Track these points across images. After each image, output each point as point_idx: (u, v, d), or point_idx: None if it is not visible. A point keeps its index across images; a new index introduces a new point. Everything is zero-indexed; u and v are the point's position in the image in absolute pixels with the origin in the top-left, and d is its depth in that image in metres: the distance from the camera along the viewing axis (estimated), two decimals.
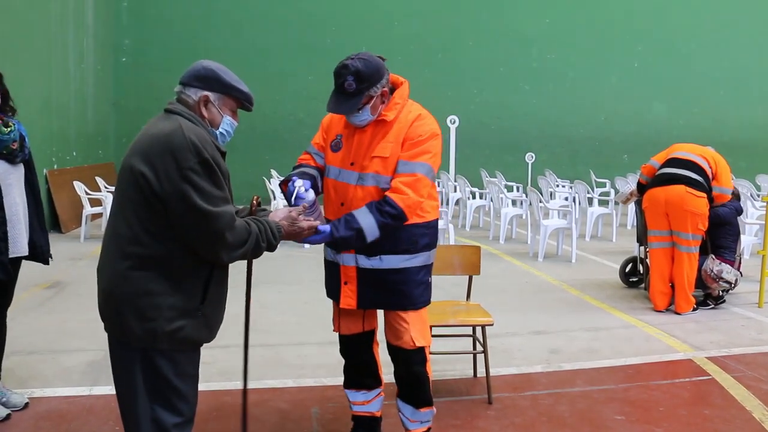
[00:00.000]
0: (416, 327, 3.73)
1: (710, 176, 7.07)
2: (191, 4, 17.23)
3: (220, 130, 2.90)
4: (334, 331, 3.99)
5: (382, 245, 3.53)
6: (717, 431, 4.34)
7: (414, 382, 3.82)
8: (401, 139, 3.54)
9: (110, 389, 4.73)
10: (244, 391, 3.53)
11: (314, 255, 10.19)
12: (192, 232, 2.63)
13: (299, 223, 3.10)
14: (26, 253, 4.36)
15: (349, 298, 3.68)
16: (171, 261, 2.65)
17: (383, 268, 3.60)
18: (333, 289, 3.77)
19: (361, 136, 3.60)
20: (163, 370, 2.70)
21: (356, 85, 3.43)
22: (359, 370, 4.00)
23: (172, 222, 2.61)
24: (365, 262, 3.60)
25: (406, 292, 3.66)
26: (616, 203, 11.11)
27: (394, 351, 3.82)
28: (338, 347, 4.08)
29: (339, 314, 3.89)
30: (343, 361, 4.09)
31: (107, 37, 16.57)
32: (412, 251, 3.61)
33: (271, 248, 2.88)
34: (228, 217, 2.65)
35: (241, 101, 2.92)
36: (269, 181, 13.06)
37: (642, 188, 7.54)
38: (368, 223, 3.42)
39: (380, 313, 3.88)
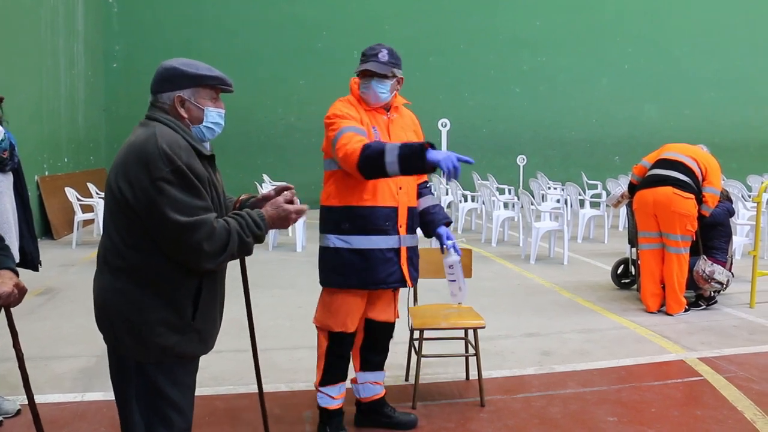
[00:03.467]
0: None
1: (699, 177, 7.09)
2: (182, 10, 17.20)
3: (206, 124, 2.77)
4: (345, 331, 4.09)
5: (414, 224, 4.12)
6: None
7: (386, 350, 4.37)
8: (415, 127, 4.23)
9: (102, 395, 4.74)
10: (261, 395, 3.64)
11: (308, 259, 10.18)
12: (169, 245, 2.55)
13: (285, 206, 2.89)
14: (17, 261, 4.36)
15: (409, 277, 4.10)
16: (156, 274, 2.59)
17: (415, 246, 4.17)
18: (388, 276, 4.00)
19: (392, 127, 4.05)
20: (158, 381, 2.67)
21: (388, 58, 3.92)
22: (346, 362, 4.22)
23: (152, 234, 2.56)
24: (412, 241, 4.11)
25: (418, 267, 4.23)
26: (607, 206, 11.16)
27: (381, 327, 4.27)
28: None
29: (352, 311, 4.07)
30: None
31: (98, 43, 16.54)
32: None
33: (259, 239, 2.74)
34: (205, 226, 2.54)
35: (216, 86, 2.78)
36: (261, 186, 13.04)
37: (633, 189, 7.56)
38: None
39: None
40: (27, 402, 2.95)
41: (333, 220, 4.00)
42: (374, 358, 4.32)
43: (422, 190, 4.28)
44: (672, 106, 19.42)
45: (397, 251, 3.99)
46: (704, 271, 7.20)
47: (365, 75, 3.95)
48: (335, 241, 3.97)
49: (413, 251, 4.12)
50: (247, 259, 2.97)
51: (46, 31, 13.11)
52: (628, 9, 19.27)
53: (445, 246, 4.22)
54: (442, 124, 15.64)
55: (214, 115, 2.78)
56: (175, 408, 2.72)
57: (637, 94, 19.34)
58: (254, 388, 4.94)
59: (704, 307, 7.44)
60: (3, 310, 2.81)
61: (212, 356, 5.62)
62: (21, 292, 2.83)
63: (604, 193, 14.98)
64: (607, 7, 19.23)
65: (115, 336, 2.67)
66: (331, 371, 4.15)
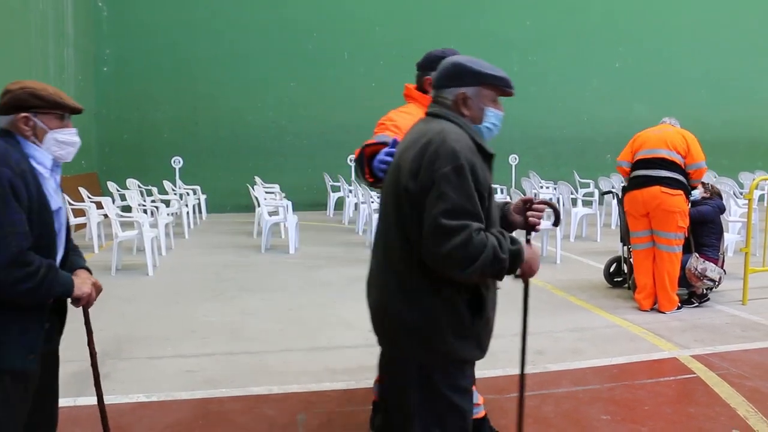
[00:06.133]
0: None
1: (683, 164, 7.05)
2: (172, 13, 17.15)
3: (486, 124, 2.75)
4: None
5: None
6: (702, 429, 4.35)
7: None
8: None
9: (95, 400, 4.71)
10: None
11: (302, 261, 10.18)
12: (425, 239, 2.49)
13: (536, 257, 2.72)
14: None
15: None
16: (438, 279, 2.55)
17: None
18: None
19: None
20: (439, 386, 2.66)
21: None
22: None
23: (418, 228, 2.53)
24: None
25: None
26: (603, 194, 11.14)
27: None
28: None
29: None
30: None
31: (88, 47, 16.48)
32: None
33: (515, 259, 2.57)
34: (464, 232, 2.43)
35: (499, 88, 2.76)
36: (252, 188, 13.02)
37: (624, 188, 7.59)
38: None
39: None
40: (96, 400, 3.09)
41: None
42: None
43: None
44: (662, 104, 19.42)
45: None
46: (696, 269, 7.22)
47: None
48: None
49: None
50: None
51: (36, 36, 13.06)
52: (617, 9, 19.32)
53: None
54: None
55: (493, 117, 2.77)
56: (457, 412, 2.70)
57: (627, 93, 19.39)
58: (248, 391, 4.96)
59: (697, 304, 7.46)
60: (82, 308, 2.90)
61: (205, 359, 5.64)
62: (97, 290, 2.94)
63: (596, 192, 15.00)
64: (597, 7, 19.28)
65: (395, 340, 2.70)
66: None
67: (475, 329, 2.66)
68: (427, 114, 2.79)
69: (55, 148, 2.75)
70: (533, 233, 2.96)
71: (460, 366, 2.72)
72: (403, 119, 3.78)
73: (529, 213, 2.93)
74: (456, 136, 2.56)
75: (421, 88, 3.98)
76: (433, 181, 2.48)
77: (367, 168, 3.36)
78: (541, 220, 3.00)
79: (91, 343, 3.10)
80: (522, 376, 3.09)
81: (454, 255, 2.43)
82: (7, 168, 2.50)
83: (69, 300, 2.83)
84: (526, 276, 2.70)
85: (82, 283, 2.82)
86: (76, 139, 2.84)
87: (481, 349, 2.74)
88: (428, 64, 3.88)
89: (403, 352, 2.70)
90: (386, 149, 3.18)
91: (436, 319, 2.59)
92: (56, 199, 2.75)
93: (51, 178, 2.76)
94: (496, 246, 2.48)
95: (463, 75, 2.72)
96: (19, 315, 2.61)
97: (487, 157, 2.68)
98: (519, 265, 2.59)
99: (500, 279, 2.62)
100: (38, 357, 2.71)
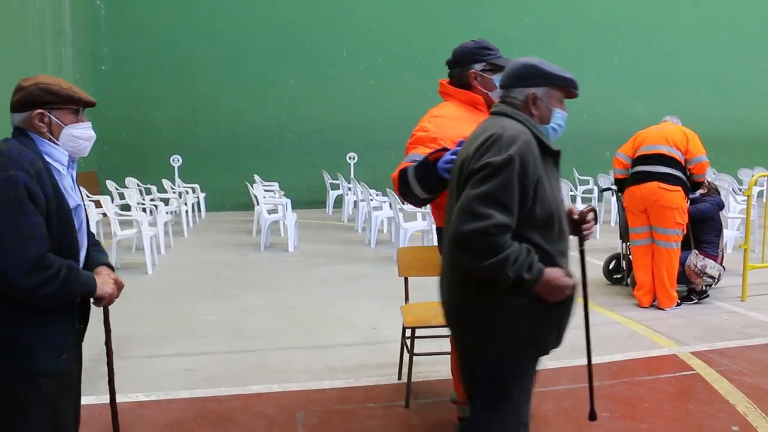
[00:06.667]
0: None
1: (683, 161, 7.05)
2: (171, 12, 17.11)
3: (552, 125, 2.80)
4: None
5: None
6: (701, 425, 4.35)
7: None
8: None
9: (94, 399, 4.71)
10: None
11: (301, 259, 10.17)
12: (454, 218, 2.56)
13: (563, 281, 2.68)
14: None
15: None
16: None
17: None
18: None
19: None
20: (506, 381, 2.72)
21: None
22: None
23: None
24: None
25: None
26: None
27: None
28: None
29: None
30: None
31: (86, 46, 16.45)
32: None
33: (519, 282, 2.57)
34: (484, 223, 2.48)
35: (567, 89, 2.82)
36: (252, 186, 13.01)
37: (620, 182, 7.57)
38: None
39: None
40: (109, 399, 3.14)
41: None
42: None
43: None
44: (661, 101, 19.42)
45: None
46: (696, 266, 7.22)
47: (498, 70, 3.85)
48: None
49: None
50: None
51: (34, 35, 13.03)
52: (617, 6, 19.30)
53: None
54: None
55: (560, 117, 2.81)
56: (517, 407, 2.78)
57: (626, 91, 19.36)
58: (247, 390, 4.96)
59: (696, 301, 7.46)
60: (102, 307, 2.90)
61: (204, 358, 5.64)
62: (119, 287, 2.91)
63: (595, 188, 15.00)
64: (596, 4, 19.25)
65: (467, 333, 2.75)
66: None
67: (551, 321, 2.73)
68: (492, 113, 2.83)
69: (71, 143, 2.73)
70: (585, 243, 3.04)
71: (533, 359, 2.80)
72: (439, 126, 3.71)
73: (584, 226, 3.00)
74: (515, 132, 2.61)
75: (462, 83, 3.94)
76: (480, 167, 2.54)
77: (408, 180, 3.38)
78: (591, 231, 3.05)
79: (108, 342, 3.09)
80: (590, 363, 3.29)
81: (469, 239, 2.50)
82: (22, 171, 2.47)
83: (92, 300, 2.81)
84: (548, 300, 2.69)
85: (104, 282, 2.80)
86: (92, 132, 2.83)
87: (558, 340, 2.82)
88: (468, 57, 3.90)
89: (475, 347, 2.75)
90: (453, 149, 3.18)
91: (511, 314, 2.64)
92: (74, 196, 2.73)
93: (68, 175, 2.73)
94: (509, 260, 2.51)
95: (533, 75, 2.77)
96: (50, 317, 2.60)
97: (554, 154, 2.73)
98: (528, 288, 2.60)
99: (505, 287, 2.61)
100: (70, 357, 2.71)
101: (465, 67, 3.88)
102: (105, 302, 2.83)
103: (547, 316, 2.70)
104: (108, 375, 3.13)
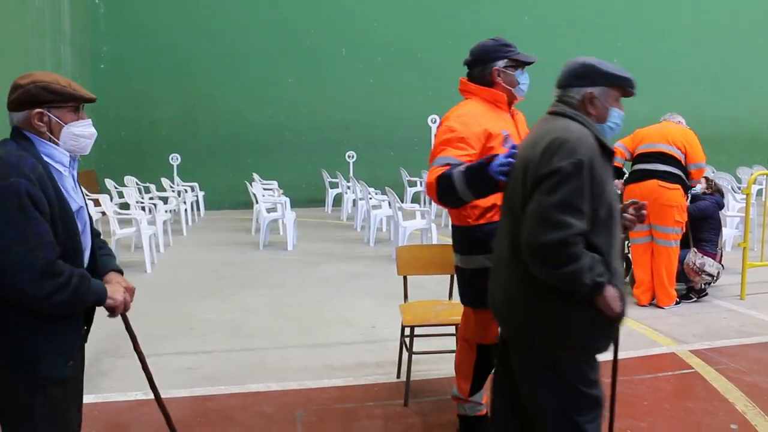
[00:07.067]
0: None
1: (683, 160, 7.05)
2: (170, 11, 17.10)
3: (609, 123, 2.81)
4: (494, 342, 3.79)
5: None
6: (700, 424, 4.36)
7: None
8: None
9: (94, 398, 4.71)
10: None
11: (300, 257, 10.17)
12: (527, 223, 2.58)
13: (616, 304, 2.67)
14: None
15: None
16: None
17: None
18: None
19: (519, 126, 3.99)
20: (572, 380, 2.72)
21: None
22: (490, 370, 3.99)
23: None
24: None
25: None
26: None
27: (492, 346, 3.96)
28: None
29: (496, 323, 3.62)
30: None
31: (85, 45, 16.44)
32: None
33: (587, 292, 2.58)
34: (562, 232, 2.49)
35: (623, 88, 2.82)
36: (251, 185, 13.00)
37: (616, 170, 7.55)
38: None
39: None
40: (155, 400, 3.22)
41: (477, 239, 3.79)
42: (485, 376, 4.11)
43: None
44: (660, 99, 19.35)
45: None
46: (695, 264, 7.22)
47: (521, 66, 3.88)
48: (484, 261, 3.68)
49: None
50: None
51: (33, 33, 13.02)
52: (616, 5, 19.29)
53: None
54: (431, 121, 15.60)
55: (617, 116, 2.82)
56: (591, 400, 2.77)
57: None
58: (246, 388, 4.96)
59: (695, 299, 7.46)
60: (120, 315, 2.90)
61: (204, 357, 5.64)
62: (130, 293, 2.91)
63: None
64: (596, 3, 19.24)
65: (527, 330, 2.74)
66: (481, 381, 4.08)
67: (607, 320, 2.72)
68: (549, 112, 2.84)
69: (72, 142, 2.66)
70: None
71: (592, 357, 2.79)
72: (465, 125, 3.71)
73: (628, 216, 3.05)
74: (579, 134, 2.62)
75: (484, 80, 3.97)
76: (550, 173, 2.54)
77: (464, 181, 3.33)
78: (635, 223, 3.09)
79: (137, 347, 3.07)
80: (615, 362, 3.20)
81: (547, 248, 2.51)
82: (23, 178, 2.40)
83: (105, 308, 2.78)
84: (603, 312, 2.69)
85: (114, 291, 2.76)
86: (93, 130, 2.75)
87: (614, 337, 2.84)
88: (490, 55, 3.93)
89: (534, 347, 2.75)
90: (507, 152, 3.14)
91: (569, 313, 2.64)
92: (75, 198, 2.68)
93: (69, 176, 2.67)
94: (585, 269, 2.53)
95: (591, 75, 2.79)
96: (58, 324, 2.57)
97: (609, 153, 2.73)
98: (594, 298, 2.62)
99: (574, 293, 2.62)
100: (76, 363, 2.69)
101: (488, 64, 3.92)
102: (118, 312, 2.81)
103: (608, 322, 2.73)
104: (147, 379, 3.14)
